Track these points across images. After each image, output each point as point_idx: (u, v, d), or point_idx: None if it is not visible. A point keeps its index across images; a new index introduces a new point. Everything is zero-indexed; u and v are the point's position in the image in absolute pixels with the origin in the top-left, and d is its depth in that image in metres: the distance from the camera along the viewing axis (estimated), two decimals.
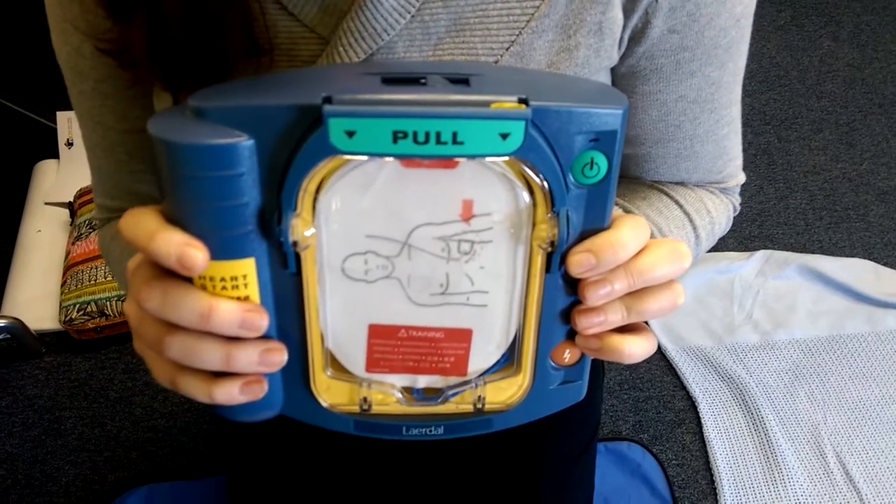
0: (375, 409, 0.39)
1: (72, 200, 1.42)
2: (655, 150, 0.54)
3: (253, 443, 0.73)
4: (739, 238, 1.46)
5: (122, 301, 1.23)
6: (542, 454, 0.70)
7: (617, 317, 0.36)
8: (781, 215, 1.50)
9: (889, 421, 1.21)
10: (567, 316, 0.37)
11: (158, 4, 0.38)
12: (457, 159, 0.32)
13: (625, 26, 0.46)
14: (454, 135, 0.30)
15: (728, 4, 0.46)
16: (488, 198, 0.34)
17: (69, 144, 1.51)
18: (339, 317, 0.37)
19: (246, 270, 0.34)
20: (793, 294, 1.37)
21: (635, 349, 0.36)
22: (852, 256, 1.42)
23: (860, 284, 1.36)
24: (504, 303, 0.37)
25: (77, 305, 1.25)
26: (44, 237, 1.41)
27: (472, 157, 0.31)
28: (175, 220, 0.33)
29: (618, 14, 0.45)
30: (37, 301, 1.31)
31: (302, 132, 0.31)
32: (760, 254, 1.42)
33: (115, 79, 0.51)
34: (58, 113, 1.52)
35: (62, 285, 1.30)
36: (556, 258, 0.35)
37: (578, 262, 0.34)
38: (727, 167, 0.57)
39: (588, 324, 0.36)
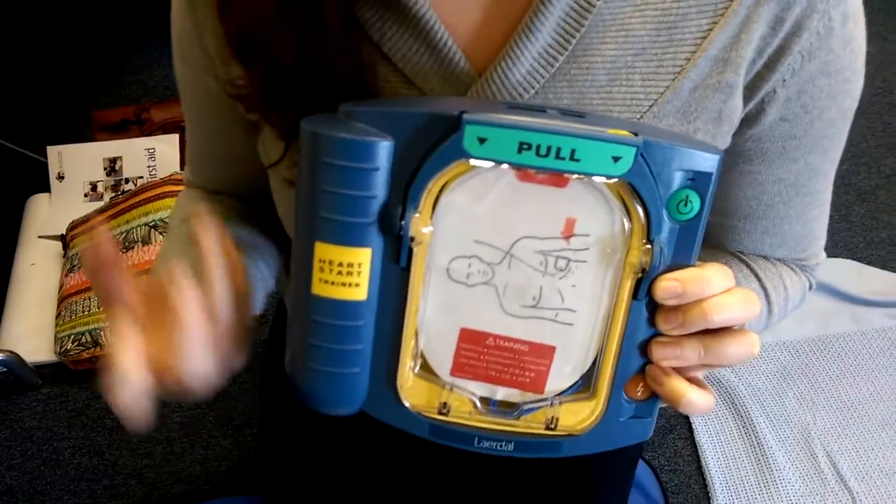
0: (452, 415, 0.41)
1: (64, 233, 1.44)
2: (744, 224, 0.55)
3: (294, 468, 0.74)
4: None
5: None
6: (593, 471, 0.71)
7: (693, 354, 0.37)
8: None
9: (878, 418, 1.22)
10: (645, 349, 0.39)
11: (277, 52, 0.41)
12: (567, 177, 0.36)
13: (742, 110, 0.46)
14: (572, 152, 0.34)
15: (839, 99, 0.47)
16: (590, 219, 0.37)
17: (60, 178, 1.54)
18: (436, 317, 0.40)
19: (361, 259, 0.37)
20: None
21: (695, 398, 0.37)
22: (836, 257, 1.44)
23: (844, 284, 1.38)
24: (589, 324, 0.39)
25: (72, 336, 1.26)
26: (38, 270, 1.43)
27: (585, 174, 0.35)
28: (307, 205, 0.37)
29: (738, 102, 0.45)
30: (32, 333, 1.33)
31: (438, 137, 0.35)
32: None
33: (227, 119, 0.55)
34: (48, 147, 1.54)
35: (57, 317, 1.31)
36: (644, 285, 0.37)
37: (665, 288, 0.36)
38: (811, 247, 0.58)
39: (663, 354, 0.38)
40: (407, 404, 0.41)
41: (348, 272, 0.37)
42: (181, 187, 1.38)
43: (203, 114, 0.57)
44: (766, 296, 0.57)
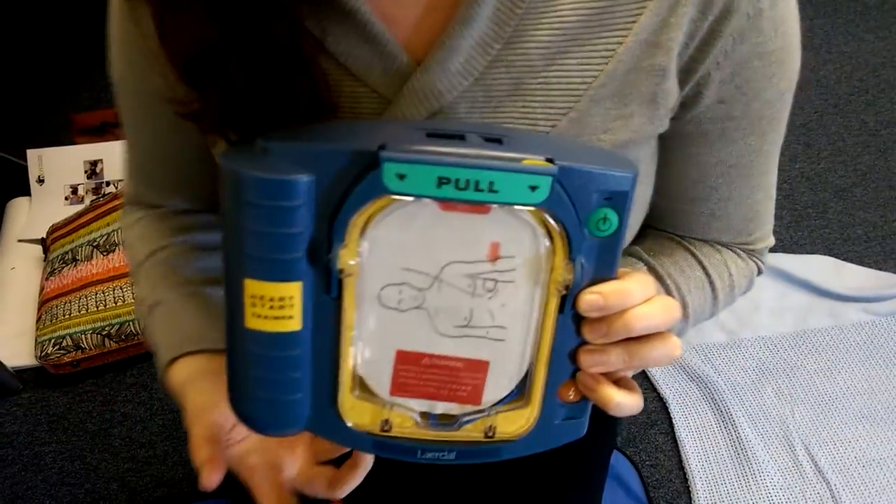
0: (394, 431, 0.42)
1: (44, 237, 1.43)
2: (690, 207, 0.57)
3: None
4: None
5: (108, 329, 1.24)
6: (563, 475, 0.72)
7: (618, 360, 0.39)
8: None
9: (855, 411, 1.24)
10: (574, 357, 0.41)
11: (229, 75, 0.41)
12: (489, 206, 0.37)
13: (678, 93, 0.48)
14: (490, 184, 0.35)
15: (774, 80, 0.48)
16: (513, 242, 0.38)
17: (40, 181, 1.53)
18: (372, 341, 0.41)
19: (292, 293, 0.37)
20: (757, 292, 1.40)
21: (623, 401, 0.40)
22: (813, 253, 1.46)
23: (822, 280, 1.39)
24: (520, 339, 0.41)
25: (52, 340, 1.26)
26: (18, 274, 1.42)
27: (503, 204, 0.36)
28: (234, 244, 0.37)
29: (673, 86, 0.46)
30: (13, 338, 1.32)
31: (358, 173, 0.35)
32: None
33: (170, 125, 0.53)
34: (28, 151, 1.54)
35: (37, 321, 1.31)
36: (569, 300, 0.39)
37: (588, 301, 0.38)
38: (757, 230, 0.60)
39: (591, 362, 0.40)
40: (349, 424, 0.42)
41: (280, 306, 0.37)
42: None
43: (150, 114, 0.56)
44: (711, 283, 0.58)
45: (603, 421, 0.45)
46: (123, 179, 0.66)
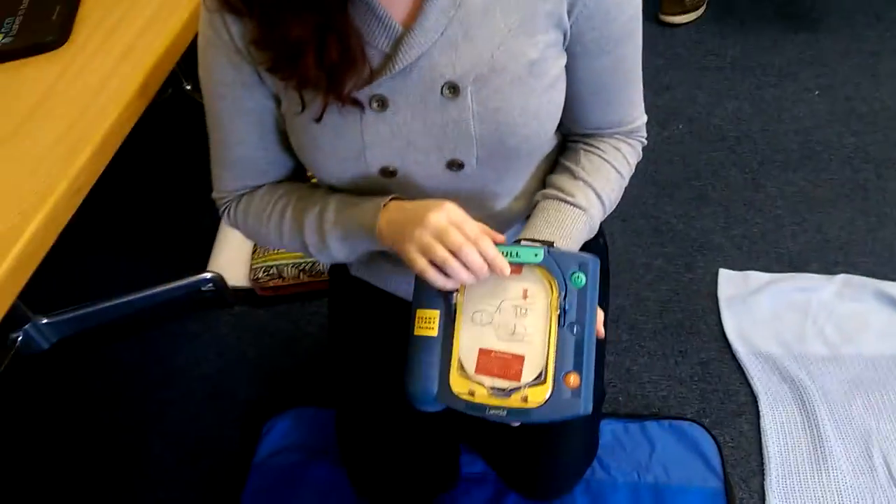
0: (476, 397, 0.76)
1: None
2: (591, 99, 0.85)
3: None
4: (824, 263, 1.60)
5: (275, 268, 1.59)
6: None
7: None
8: (868, 245, 1.62)
9: None
10: (572, 354, 0.73)
11: (305, 47, 0.71)
12: (520, 268, 0.75)
13: (566, 32, 0.77)
14: (517, 254, 0.75)
15: (623, 8, 0.77)
16: (534, 288, 0.76)
17: None
18: (467, 342, 0.77)
19: (434, 315, 0.78)
20: (866, 315, 1.49)
21: None
22: None
23: None
24: (539, 342, 0.75)
25: (263, 268, 1.63)
26: None
27: (524, 264, 0.75)
28: (416, 291, 0.80)
29: (562, 16, 0.75)
30: (234, 262, 1.71)
31: None
32: (841, 277, 1.55)
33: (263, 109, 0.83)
34: None
35: (253, 252, 1.69)
36: (562, 319, 0.74)
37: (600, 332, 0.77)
38: (634, 110, 0.90)
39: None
40: (455, 392, 0.76)
41: (429, 321, 0.78)
42: None
43: (242, 110, 0.82)
44: (620, 175, 0.90)
45: None
46: (221, 181, 0.92)
